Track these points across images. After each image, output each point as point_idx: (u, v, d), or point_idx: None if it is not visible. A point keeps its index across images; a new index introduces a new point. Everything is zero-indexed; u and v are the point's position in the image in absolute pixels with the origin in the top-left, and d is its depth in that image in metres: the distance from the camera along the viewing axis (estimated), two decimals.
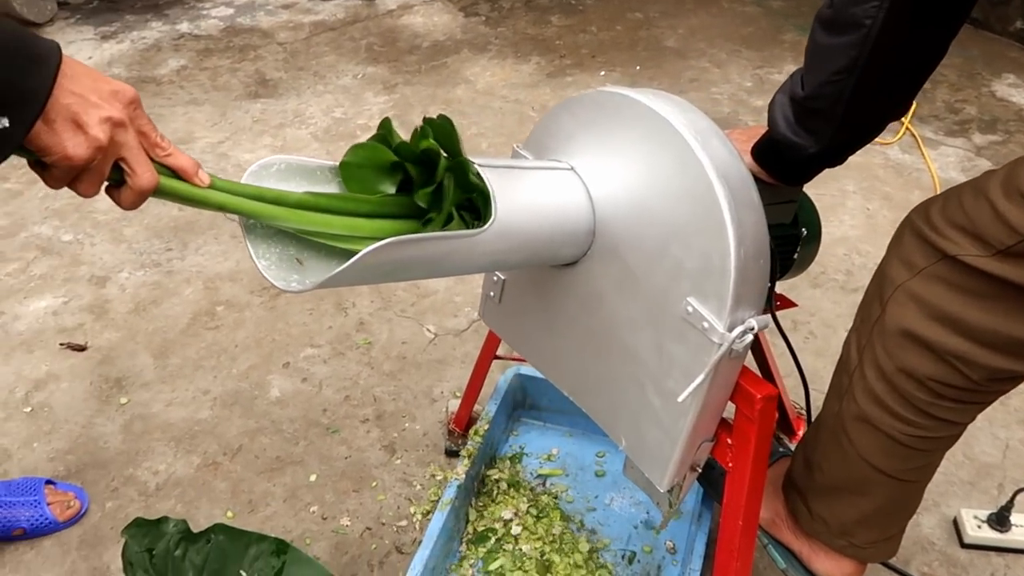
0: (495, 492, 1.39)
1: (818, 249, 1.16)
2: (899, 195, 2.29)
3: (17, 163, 2.35)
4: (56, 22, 3.27)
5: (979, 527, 1.37)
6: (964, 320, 0.83)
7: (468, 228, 0.89)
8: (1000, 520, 1.36)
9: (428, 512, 1.40)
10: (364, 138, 2.44)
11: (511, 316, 1.16)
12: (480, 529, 1.33)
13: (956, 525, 1.40)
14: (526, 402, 1.54)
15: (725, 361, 0.89)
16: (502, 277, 1.15)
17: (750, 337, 0.87)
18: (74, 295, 1.87)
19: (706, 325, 0.87)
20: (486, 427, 1.38)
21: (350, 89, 2.78)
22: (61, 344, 1.72)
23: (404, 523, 1.39)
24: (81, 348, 1.71)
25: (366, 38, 3.13)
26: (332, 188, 0.88)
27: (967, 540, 1.37)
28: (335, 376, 1.66)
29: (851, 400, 0.96)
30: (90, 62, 2.96)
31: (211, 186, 0.76)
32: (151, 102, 2.69)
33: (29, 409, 1.58)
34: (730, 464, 0.99)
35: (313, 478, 1.45)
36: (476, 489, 1.39)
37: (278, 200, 0.80)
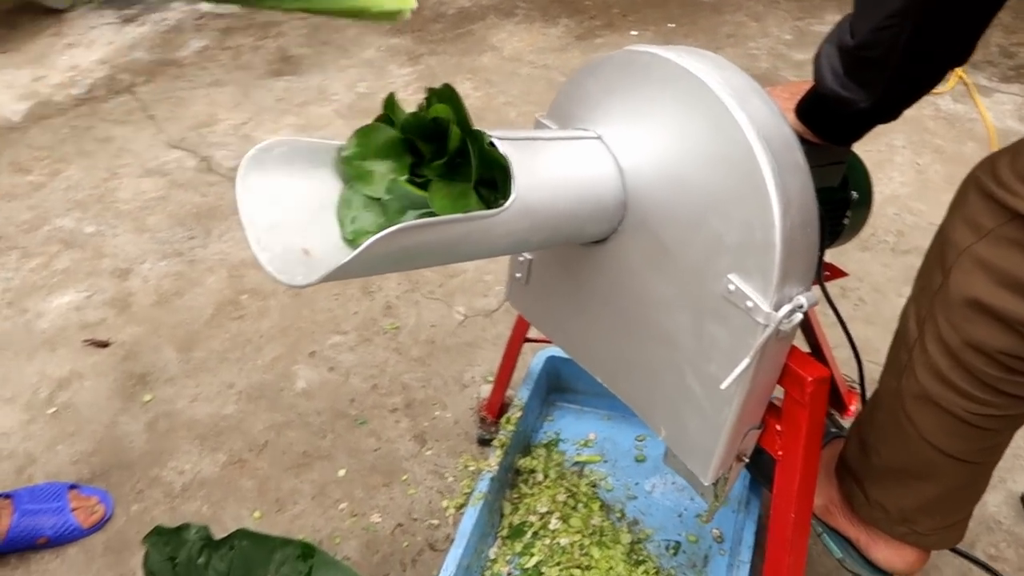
0: (530, 483, 1.33)
1: (870, 212, 1.07)
2: (951, 148, 2.17)
3: (39, 155, 2.34)
4: (78, 7, 3.24)
5: None
6: None
7: (486, 207, 0.82)
8: None
9: (461, 506, 1.35)
10: None
11: (539, 298, 1.09)
12: (516, 523, 1.27)
13: None
14: (560, 385, 1.47)
15: (772, 343, 0.82)
16: (529, 257, 1.08)
17: (799, 316, 0.79)
18: (97, 289, 1.84)
19: (750, 304, 0.80)
20: (519, 415, 1.32)
21: (374, 62, 2.71)
22: (84, 341, 1.69)
23: (436, 520, 1.34)
24: (104, 344, 1.68)
25: None
26: (339, 170, 0.82)
27: None
28: (362, 364, 1.61)
29: (911, 377, 0.88)
30: (111, 47, 2.93)
31: None
32: (172, 86, 2.65)
33: (53, 410, 1.56)
34: (780, 452, 0.92)
35: (342, 473, 1.41)
36: (510, 481, 1.33)
37: None
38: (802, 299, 0.79)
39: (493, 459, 1.26)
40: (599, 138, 0.91)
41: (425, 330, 1.68)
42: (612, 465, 1.38)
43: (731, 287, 0.81)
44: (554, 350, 1.43)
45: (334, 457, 1.44)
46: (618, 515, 1.30)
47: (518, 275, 1.11)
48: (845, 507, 1.05)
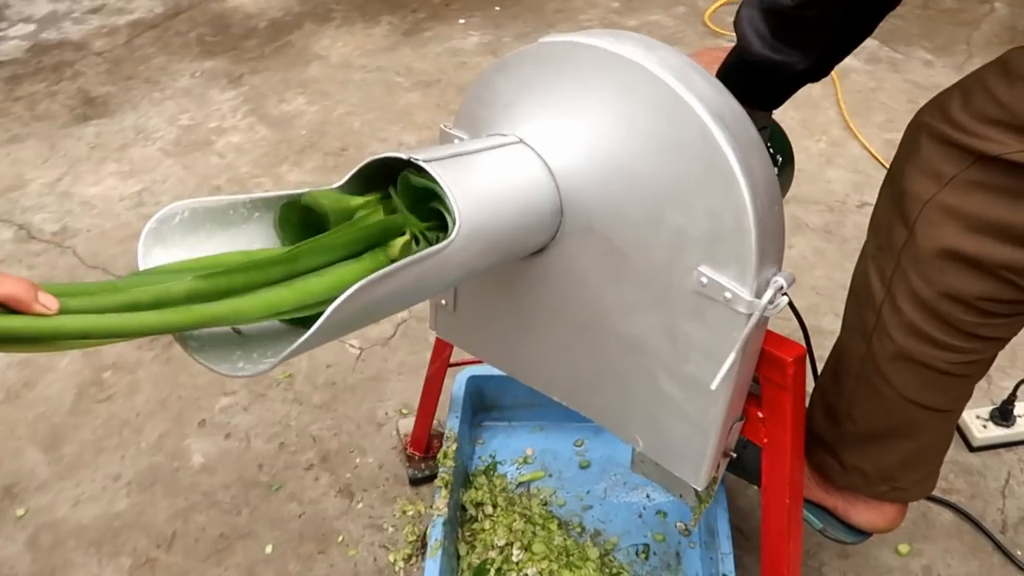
0: (480, 516, 1.25)
1: (793, 175, 1.06)
2: (800, 93, 2.24)
3: None
4: None
5: (984, 427, 1.33)
6: (1014, 225, 0.74)
7: (426, 243, 0.74)
8: (1004, 415, 1.33)
9: (410, 556, 1.26)
10: (220, 144, 2.17)
11: (473, 323, 1.01)
12: (476, 564, 1.19)
13: (961, 430, 1.36)
14: (485, 405, 1.40)
15: (753, 332, 0.78)
16: None
17: (784, 300, 0.76)
18: None
19: (728, 296, 0.75)
20: (454, 447, 1.24)
21: (191, 91, 2.53)
22: None
23: None
24: None
25: (194, 30, 2.86)
26: (259, 231, 0.72)
27: (975, 443, 1.33)
28: (261, 423, 1.48)
29: (884, 338, 0.86)
30: None
31: (62, 311, 0.55)
32: None
33: None
34: (765, 440, 0.89)
35: (269, 549, 1.28)
36: (459, 518, 1.25)
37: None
38: (780, 280, 0.76)
39: (440, 500, 1.17)
40: (521, 141, 0.84)
41: (322, 373, 1.57)
42: (558, 478, 1.32)
43: (703, 280, 0.77)
44: (474, 369, 1.36)
45: (256, 533, 1.31)
46: (578, 530, 1.25)
47: (443, 302, 1.03)
48: (818, 478, 1.04)
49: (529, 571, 1.17)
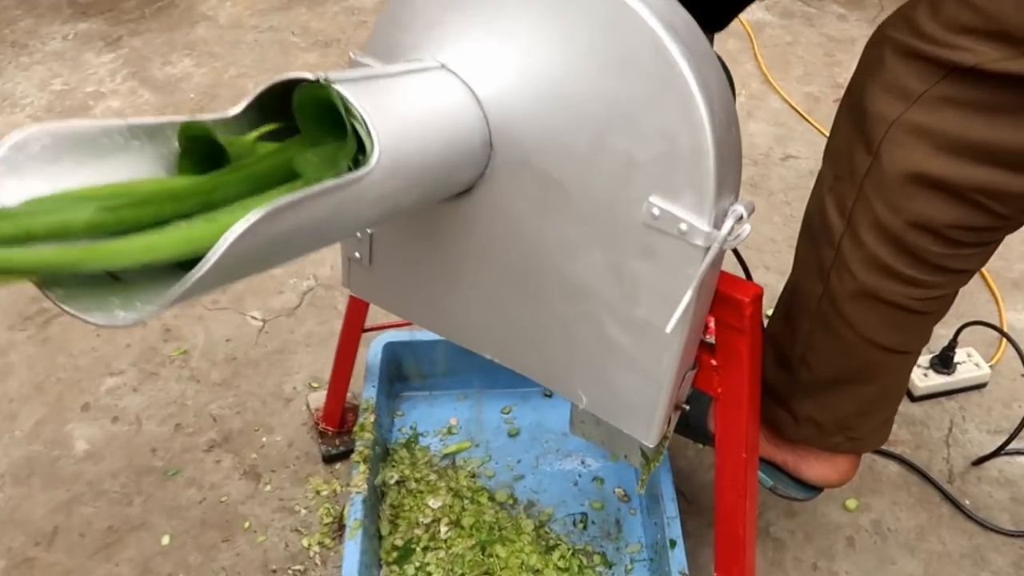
0: (402, 493, 1.17)
1: (734, 95, 1.00)
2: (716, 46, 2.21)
3: None
4: None
5: (925, 375, 1.32)
6: (989, 143, 0.70)
7: (339, 173, 0.66)
8: (944, 362, 1.32)
9: (326, 539, 1.17)
10: (99, 110, 2.01)
11: (392, 278, 0.93)
12: (400, 544, 1.12)
13: None
14: (403, 373, 1.32)
15: (709, 269, 0.72)
16: (369, 231, 0.91)
17: (746, 230, 0.70)
18: None
19: (683, 228, 0.69)
20: (372, 419, 1.16)
21: (64, 54, 2.34)
22: None
23: (301, 564, 1.15)
24: None
25: None
26: (139, 164, 0.62)
27: (917, 393, 1.32)
28: (154, 404, 1.36)
29: (843, 275, 0.82)
30: None
31: None
32: None
33: None
34: (719, 390, 0.83)
35: (166, 540, 1.18)
36: (380, 496, 1.17)
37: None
38: (740, 208, 0.70)
39: (357, 476, 1.09)
40: (443, 67, 0.76)
41: (221, 347, 1.46)
42: (486, 448, 1.26)
43: (655, 212, 0.70)
44: (390, 335, 1.27)
45: (150, 524, 1.20)
46: (510, 502, 1.18)
47: (357, 255, 0.94)
48: (768, 433, 1.00)
49: (458, 548, 1.10)
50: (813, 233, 0.86)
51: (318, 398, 1.33)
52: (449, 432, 1.28)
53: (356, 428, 1.16)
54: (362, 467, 1.10)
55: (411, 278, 0.91)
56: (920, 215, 0.74)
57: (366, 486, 1.08)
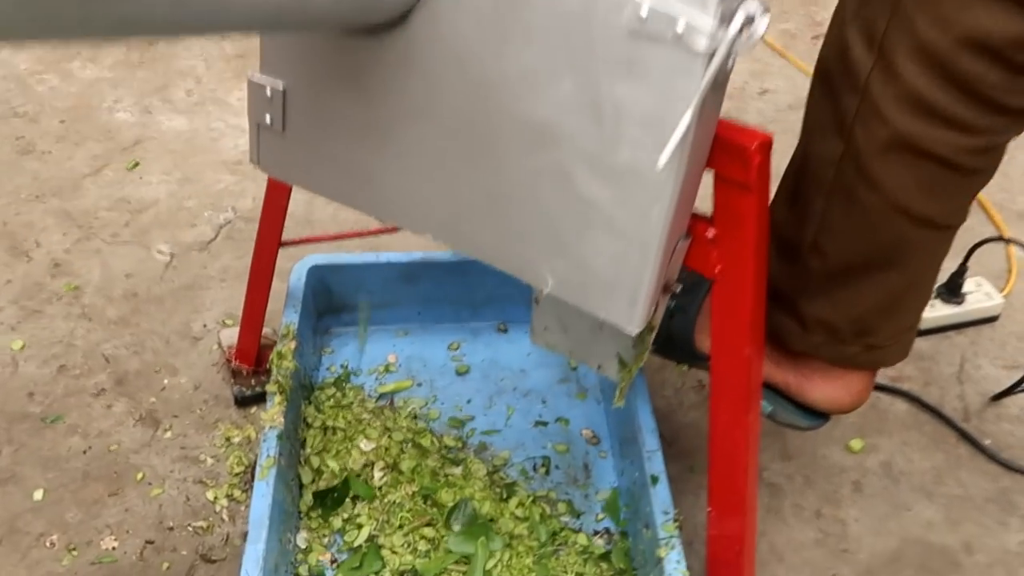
0: (328, 435, 1.01)
1: None
2: None
3: None
4: None
5: (931, 306, 1.19)
6: None
7: None
8: (952, 290, 1.19)
9: (235, 490, 1.01)
10: None
11: (311, 146, 0.77)
12: (323, 490, 0.96)
13: None
14: (333, 304, 1.16)
15: (709, 93, 0.58)
16: (280, 88, 0.75)
17: (760, 30, 0.56)
18: None
19: (679, 30, 0.55)
20: (293, 345, 1.00)
21: None
22: None
23: (204, 520, 0.99)
24: None
25: None
26: None
27: (924, 325, 1.19)
28: (35, 344, 1.19)
29: (872, 123, 0.68)
30: None
31: None
32: None
33: None
34: (718, 268, 0.69)
35: (39, 495, 1.01)
36: (302, 439, 1.01)
37: None
38: (753, 5, 0.56)
39: (273, 408, 0.93)
40: None
41: (120, 283, 1.28)
42: (429, 387, 1.10)
43: (642, 13, 0.56)
44: (318, 258, 1.11)
45: (20, 476, 1.03)
46: (458, 445, 1.03)
47: (268, 119, 0.78)
48: (768, 347, 0.86)
49: (395, 496, 0.95)
50: (830, 81, 0.72)
51: (231, 334, 1.16)
52: (387, 370, 1.12)
53: (273, 356, 0.99)
54: (278, 398, 0.94)
55: (332, 145, 0.76)
56: (975, 29, 0.60)
57: (282, 419, 0.92)
